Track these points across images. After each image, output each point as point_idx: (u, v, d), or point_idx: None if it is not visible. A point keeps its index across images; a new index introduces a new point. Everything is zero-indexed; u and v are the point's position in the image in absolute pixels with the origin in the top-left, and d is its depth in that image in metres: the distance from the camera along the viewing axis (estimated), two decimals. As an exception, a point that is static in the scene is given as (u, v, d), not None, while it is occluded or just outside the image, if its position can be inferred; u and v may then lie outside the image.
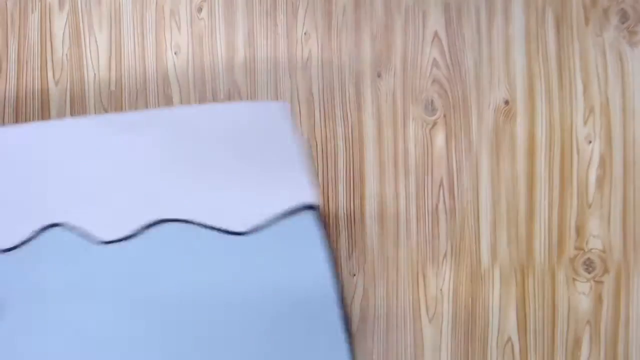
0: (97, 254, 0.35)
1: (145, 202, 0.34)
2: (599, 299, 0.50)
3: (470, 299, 0.50)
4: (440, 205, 0.50)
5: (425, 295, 0.50)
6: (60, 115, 0.51)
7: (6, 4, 0.51)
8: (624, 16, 0.49)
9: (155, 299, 0.34)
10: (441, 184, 0.50)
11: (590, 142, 0.49)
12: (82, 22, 0.51)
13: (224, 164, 0.34)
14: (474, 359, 0.50)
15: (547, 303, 0.50)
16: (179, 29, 0.50)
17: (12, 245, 0.36)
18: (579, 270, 0.49)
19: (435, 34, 0.49)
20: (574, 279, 0.50)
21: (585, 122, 0.49)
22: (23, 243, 0.36)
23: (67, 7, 0.51)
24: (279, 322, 0.33)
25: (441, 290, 0.50)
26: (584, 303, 0.50)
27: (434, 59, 0.50)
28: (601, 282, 0.49)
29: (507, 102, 0.49)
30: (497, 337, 0.50)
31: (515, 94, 0.49)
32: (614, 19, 0.49)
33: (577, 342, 0.50)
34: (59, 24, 0.51)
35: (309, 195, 0.34)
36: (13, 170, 0.36)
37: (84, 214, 0.35)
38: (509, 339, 0.50)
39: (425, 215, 0.50)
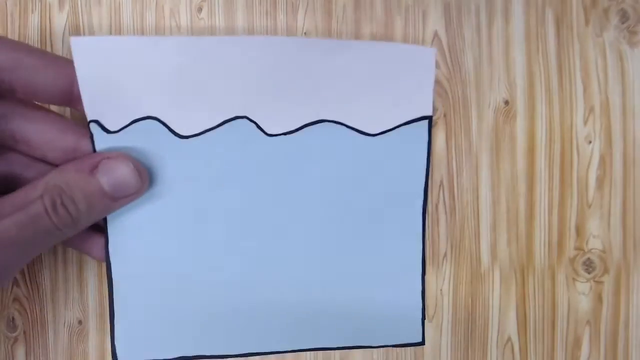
0: (262, 144, 0.46)
1: (311, 106, 0.45)
2: (599, 299, 0.50)
3: (470, 299, 0.50)
4: (440, 205, 0.50)
5: (425, 295, 0.50)
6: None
7: (6, 4, 0.51)
8: (624, 16, 0.49)
9: (303, 183, 0.46)
10: (441, 184, 0.50)
11: (590, 142, 0.49)
12: (82, 22, 0.51)
13: (373, 84, 0.45)
14: (474, 359, 0.50)
15: (547, 303, 0.50)
16: (179, 29, 0.50)
17: (192, 133, 0.44)
18: (579, 270, 0.49)
19: (435, 34, 0.49)
20: (574, 279, 0.50)
21: (585, 122, 0.49)
22: (204, 132, 0.44)
23: (67, 7, 0.51)
24: (378, 201, 0.47)
25: (441, 290, 0.50)
26: (584, 303, 0.50)
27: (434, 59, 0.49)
28: (601, 282, 0.49)
29: (507, 102, 0.49)
30: (497, 337, 0.50)
31: (515, 94, 0.49)
32: (614, 19, 0.49)
33: (577, 342, 0.50)
34: (59, 24, 0.51)
35: (428, 109, 0.46)
36: (206, 72, 0.44)
37: (261, 111, 0.45)
38: (509, 339, 0.50)
39: (425, 215, 0.50)
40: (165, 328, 0.48)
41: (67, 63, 0.43)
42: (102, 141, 0.43)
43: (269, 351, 0.48)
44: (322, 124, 0.46)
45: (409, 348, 0.50)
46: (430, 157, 0.49)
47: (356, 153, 0.46)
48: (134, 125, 0.43)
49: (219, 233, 0.47)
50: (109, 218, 0.45)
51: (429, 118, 0.47)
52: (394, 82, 0.46)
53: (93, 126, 0.43)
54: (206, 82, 0.45)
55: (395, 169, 0.47)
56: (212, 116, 0.45)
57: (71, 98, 0.43)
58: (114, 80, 0.43)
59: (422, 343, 0.49)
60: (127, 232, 0.46)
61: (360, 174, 0.47)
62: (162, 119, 0.44)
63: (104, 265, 0.51)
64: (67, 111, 0.51)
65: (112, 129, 0.43)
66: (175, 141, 0.44)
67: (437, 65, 0.49)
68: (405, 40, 0.49)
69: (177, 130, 0.44)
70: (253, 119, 0.45)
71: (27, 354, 0.52)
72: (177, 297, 0.48)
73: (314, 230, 0.48)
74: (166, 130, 0.44)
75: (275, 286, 0.48)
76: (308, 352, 0.50)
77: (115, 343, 0.48)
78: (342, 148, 0.46)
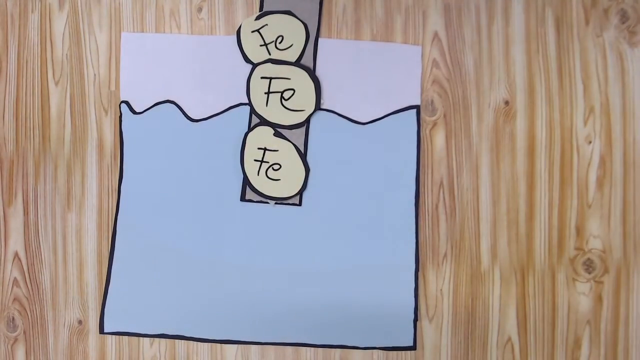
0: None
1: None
2: (599, 299, 0.50)
3: (470, 299, 0.50)
4: (440, 205, 0.50)
5: (425, 295, 0.50)
6: (60, 114, 0.51)
7: (6, 4, 0.51)
8: (624, 16, 0.49)
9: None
10: (441, 184, 0.50)
11: (590, 142, 0.49)
12: (82, 22, 0.51)
13: (364, 78, 0.50)
14: (474, 359, 0.50)
15: (547, 303, 0.50)
16: (179, 28, 0.50)
17: (201, 117, 0.51)
18: (579, 270, 0.49)
19: (435, 34, 0.49)
20: (574, 279, 0.50)
21: (585, 122, 0.49)
22: (211, 116, 0.51)
23: (67, 7, 0.51)
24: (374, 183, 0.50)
25: (441, 290, 0.50)
26: (584, 303, 0.50)
27: (434, 59, 0.50)
28: (601, 282, 0.49)
29: (507, 102, 0.49)
30: (497, 337, 0.50)
31: (515, 94, 0.49)
32: (614, 19, 0.49)
33: (577, 342, 0.50)
34: (59, 24, 0.51)
35: (417, 99, 0.50)
36: (216, 69, 0.51)
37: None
38: (509, 339, 0.50)
39: (425, 215, 0.50)
40: (154, 305, 0.50)
41: None
42: (128, 120, 0.51)
43: (248, 341, 0.50)
44: (317, 112, 0.50)
45: (409, 348, 0.50)
46: (429, 155, 0.49)
47: (348, 140, 0.50)
48: (155, 107, 0.51)
49: (219, 216, 0.50)
50: (122, 191, 0.51)
51: (417, 107, 0.50)
52: (383, 76, 0.50)
53: (123, 107, 0.51)
54: (216, 73, 0.50)
55: (387, 156, 0.50)
56: (219, 103, 0.51)
57: None
58: (146, 68, 0.51)
59: (414, 347, 0.49)
60: (136, 207, 0.51)
61: (353, 160, 0.50)
62: (178, 102, 0.51)
63: (104, 265, 0.51)
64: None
65: (137, 110, 0.51)
66: (187, 124, 0.51)
67: (437, 65, 0.49)
68: (405, 40, 0.50)
69: (189, 114, 0.51)
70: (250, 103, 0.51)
71: (27, 354, 0.52)
72: (171, 277, 0.50)
73: (308, 213, 0.50)
74: (180, 113, 0.51)
75: (265, 275, 0.50)
76: (308, 350, 0.50)
77: (105, 312, 0.51)
78: (334, 135, 0.50)
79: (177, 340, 0.51)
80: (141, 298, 0.50)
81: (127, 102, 0.50)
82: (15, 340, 0.52)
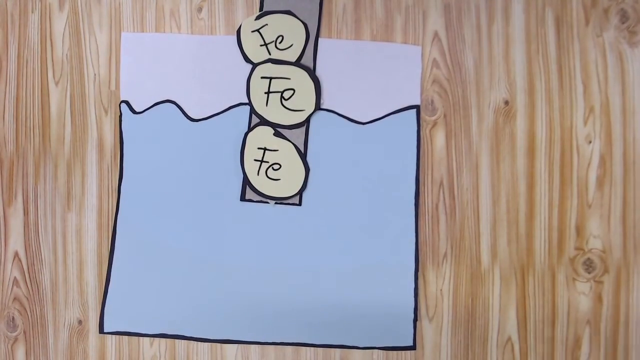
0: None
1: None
2: (599, 299, 0.50)
3: (470, 299, 0.50)
4: (440, 205, 0.50)
5: (425, 295, 0.50)
6: (60, 114, 0.51)
7: (6, 4, 0.51)
8: (624, 16, 0.49)
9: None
10: (441, 184, 0.50)
11: (590, 142, 0.49)
12: (82, 22, 0.51)
13: (364, 78, 0.50)
14: (474, 359, 0.50)
15: (547, 303, 0.50)
16: (179, 28, 0.51)
17: (201, 117, 0.51)
18: (579, 270, 0.49)
19: (435, 34, 0.49)
20: (574, 279, 0.50)
21: (585, 122, 0.49)
22: (211, 116, 0.51)
23: (67, 7, 0.51)
24: (375, 182, 0.50)
25: (441, 290, 0.50)
26: (584, 303, 0.50)
27: (434, 59, 0.50)
28: (601, 282, 0.49)
29: (507, 102, 0.49)
30: (497, 337, 0.50)
31: (515, 94, 0.49)
32: (614, 19, 0.49)
33: (577, 342, 0.50)
34: (59, 24, 0.51)
35: (416, 99, 0.50)
36: (216, 69, 0.50)
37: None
38: (509, 339, 0.50)
39: (425, 215, 0.50)
40: (154, 305, 0.51)
41: None
42: (128, 120, 0.51)
43: (248, 341, 0.50)
44: (317, 112, 0.50)
45: (409, 348, 0.50)
46: (429, 155, 0.49)
47: (348, 140, 0.50)
48: (155, 107, 0.51)
49: (219, 216, 0.51)
50: (122, 191, 0.51)
51: (417, 107, 0.50)
52: (383, 76, 0.50)
53: (123, 106, 0.51)
54: (216, 73, 0.51)
55: (387, 156, 0.50)
56: (219, 102, 0.51)
57: None
58: (146, 68, 0.51)
59: (414, 347, 0.49)
60: (136, 207, 0.51)
61: (353, 160, 0.50)
62: (178, 102, 0.51)
63: (104, 265, 0.51)
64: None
65: (137, 110, 0.51)
66: (187, 123, 0.51)
67: (437, 65, 0.50)
68: (405, 40, 0.50)
69: (189, 114, 0.51)
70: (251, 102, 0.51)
71: (27, 354, 0.52)
72: (171, 277, 0.51)
73: (308, 213, 0.50)
74: (180, 113, 0.51)
75: (265, 275, 0.50)
76: (308, 350, 0.50)
77: (104, 312, 0.51)
78: (334, 135, 0.50)
79: (177, 340, 0.51)
80: (141, 298, 0.50)
81: (127, 102, 0.51)
82: (15, 340, 0.52)
